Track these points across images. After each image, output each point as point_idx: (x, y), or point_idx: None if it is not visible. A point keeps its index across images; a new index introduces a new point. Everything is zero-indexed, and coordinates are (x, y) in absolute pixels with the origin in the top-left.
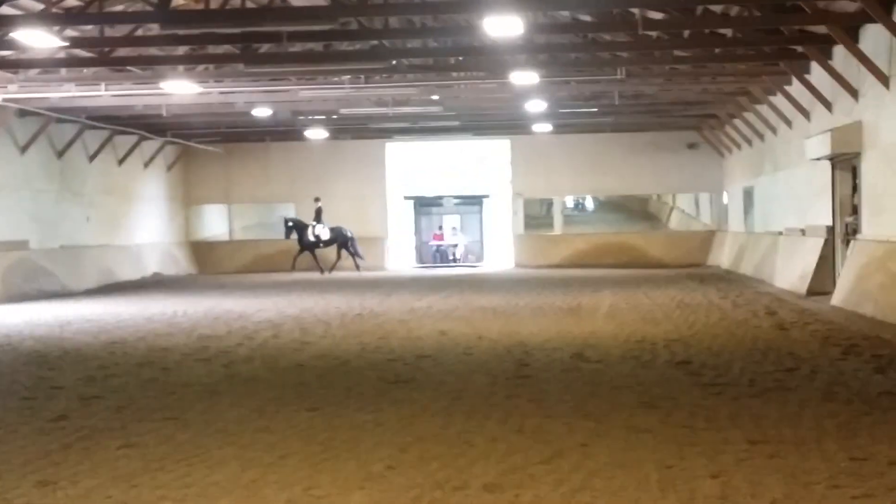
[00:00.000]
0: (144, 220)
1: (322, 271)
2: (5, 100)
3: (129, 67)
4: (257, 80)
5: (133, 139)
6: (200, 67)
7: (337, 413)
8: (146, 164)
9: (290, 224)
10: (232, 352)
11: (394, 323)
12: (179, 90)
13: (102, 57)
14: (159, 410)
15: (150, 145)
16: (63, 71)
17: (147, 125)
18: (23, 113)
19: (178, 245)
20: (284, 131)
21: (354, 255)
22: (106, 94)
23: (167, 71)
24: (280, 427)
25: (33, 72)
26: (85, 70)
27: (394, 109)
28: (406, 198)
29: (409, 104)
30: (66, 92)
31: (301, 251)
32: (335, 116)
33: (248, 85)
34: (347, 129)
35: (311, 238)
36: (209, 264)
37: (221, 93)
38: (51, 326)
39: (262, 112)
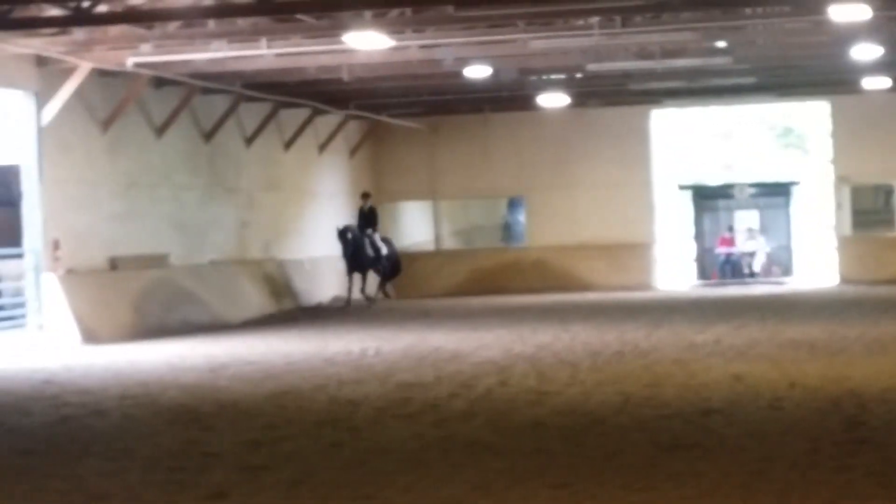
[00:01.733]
0: (320, 224)
1: (351, 301)
2: (136, 65)
3: (298, 16)
4: (472, 28)
5: (304, 113)
6: (394, 12)
7: (591, 491)
8: (321, 148)
9: (350, 235)
10: (443, 406)
11: (667, 364)
12: (366, 45)
13: (262, 3)
14: (347, 487)
15: (327, 121)
16: (211, 24)
17: (323, 94)
18: (159, 82)
19: None
20: (509, 98)
21: (390, 277)
22: (268, 53)
23: (350, 19)
24: None
25: (172, 26)
26: (240, 21)
27: (663, 63)
28: (681, 187)
29: (685, 55)
30: (216, 52)
31: (355, 271)
32: (580, 75)
33: (460, 35)
34: (597, 92)
35: (371, 252)
36: (409, 283)
37: (422, 47)
38: (200, 371)
39: (478, 72)
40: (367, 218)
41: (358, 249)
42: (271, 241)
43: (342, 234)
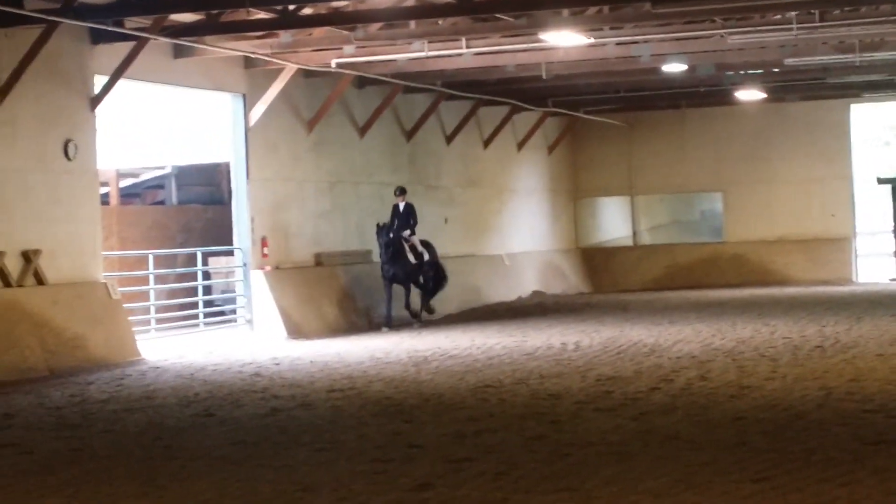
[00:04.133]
0: (519, 220)
1: (392, 319)
2: (339, 65)
3: (497, 15)
4: (669, 25)
5: (502, 111)
6: (591, 10)
7: (794, 485)
8: (520, 145)
9: (389, 237)
10: (644, 399)
11: (869, 359)
12: (564, 42)
13: (462, 3)
14: (550, 479)
15: (526, 118)
16: (412, 24)
17: (521, 92)
18: (362, 82)
19: (565, 253)
20: (706, 93)
21: (438, 289)
22: (467, 52)
23: (548, 17)
24: (715, 503)
25: (374, 27)
26: (440, 22)
27: (862, 56)
28: (880, 181)
29: (884, 48)
30: (417, 52)
31: (395, 282)
32: (777, 70)
33: (657, 31)
34: (795, 86)
35: (413, 259)
36: (607, 279)
37: (620, 44)
38: (403, 365)
39: (675, 68)
40: (404, 218)
41: (397, 255)
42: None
43: (383, 232)
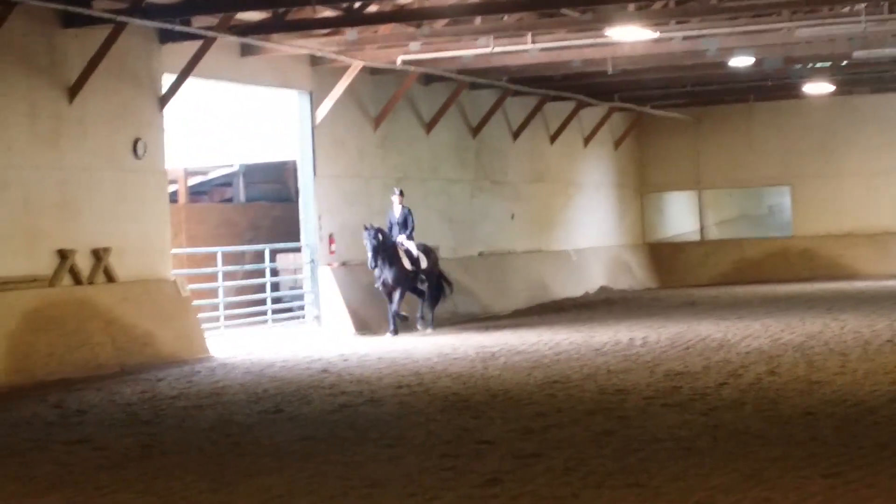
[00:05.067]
0: (585, 215)
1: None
2: (405, 62)
3: (562, 10)
4: (735, 18)
5: (568, 107)
6: (657, 4)
7: (866, 481)
8: (586, 140)
9: (379, 239)
10: (712, 394)
11: None
12: (630, 37)
13: None
14: (619, 474)
15: (592, 114)
16: (478, 20)
17: (587, 87)
18: (427, 79)
19: (632, 249)
20: (773, 87)
21: (439, 297)
22: (533, 47)
23: (613, 12)
24: (786, 499)
25: (440, 23)
26: (506, 18)
27: None
28: None
29: None
30: (483, 48)
31: (386, 288)
32: (846, 63)
33: (723, 25)
34: (864, 79)
35: (409, 266)
36: (674, 274)
37: (686, 38)
38: (471, 361)
39: (742, 61)
40: (401, 221)
41: (391, 260)
42: (516, 214)
43: (374, 235)
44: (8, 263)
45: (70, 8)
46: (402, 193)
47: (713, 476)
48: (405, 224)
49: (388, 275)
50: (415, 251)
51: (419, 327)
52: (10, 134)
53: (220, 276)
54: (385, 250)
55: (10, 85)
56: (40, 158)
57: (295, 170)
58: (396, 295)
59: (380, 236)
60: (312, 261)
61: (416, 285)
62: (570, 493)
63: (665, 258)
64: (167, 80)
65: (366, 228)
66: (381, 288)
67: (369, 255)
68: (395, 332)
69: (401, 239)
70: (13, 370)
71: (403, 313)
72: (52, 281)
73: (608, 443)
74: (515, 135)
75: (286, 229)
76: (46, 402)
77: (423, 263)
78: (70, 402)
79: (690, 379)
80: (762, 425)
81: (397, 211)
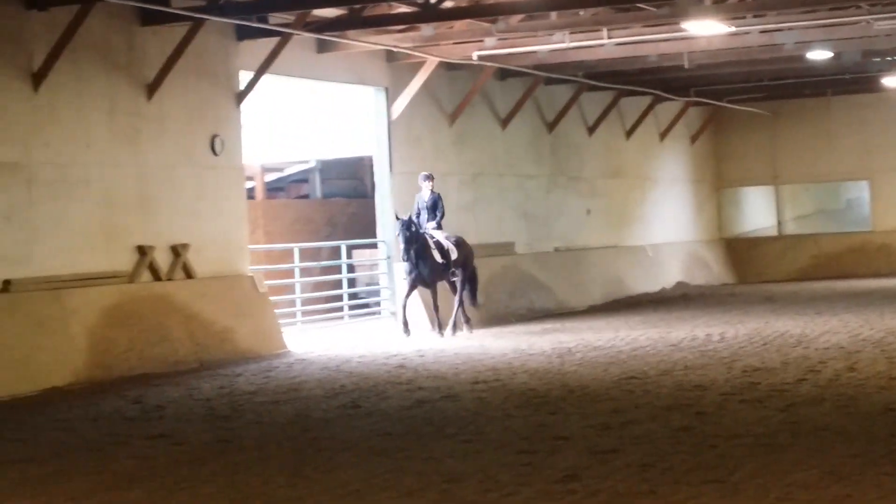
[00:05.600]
0: (661, 211)
1: (443, 329)
2: (481, 58)
3: (638, 4)
4: (813, 11)
5: (644, 102)
6: None
7: None
8: (662, 135)
9: (412, 231)
10: (791, 390)
11: None
12: (706, 31)
13: None
14: (697, 470)
15: (668, 108)
16: (553, 15)
17: (663, 81)
18: (503, 74)
19: (708, 244)
20: (852, 80)
21: (473, 295)
22: (609, 42)
23: (689, 6)
24: (866, 496)
25: (515, 19)
26: (581, 12)
27: None
28: None
29: None
30: (558, 43)
31: (419, 285)
32: None
33: (801, 18)
34: None
35: (440, 259)
36: (751, 269)
37: (763, 31)
38: (548, 356)
39: (820, 55)
40: (430, 209)
41: (422, 253)
42: (592, 210)
43: (407, 226)
44: (88, 259)
45: (149, 6)
46: (431, 178)
47: (792, 473)
48: (434, 210)
49: (420, 270)
50: (445, 242)
51: (448, 332)
52: (91, 131)
53: (296, 272)
54: (417, 241)
55: (90, 83)
56: (120, 155)
57: (371, 166)
58: (421, 293)
59: (413, 227)
60: (389, 257)
61: (448, 279)
62: (648, 490)
63: (742, 253)
64: (244, 76)
65: (397, 218)
66: (411, 282)
67: (402, 246)
68: (408, 331)
69: (430, 229)
70: (93, 365)
71: (442, 320)
72: (132, 277)
73: (685, 439)
74: (591, 130)
75: (362, 225)
76: (126, 398)
77: (454, 255)
78: (149, 398)
79: (768, 375)
80: (841, 422)
81: (426, 196)
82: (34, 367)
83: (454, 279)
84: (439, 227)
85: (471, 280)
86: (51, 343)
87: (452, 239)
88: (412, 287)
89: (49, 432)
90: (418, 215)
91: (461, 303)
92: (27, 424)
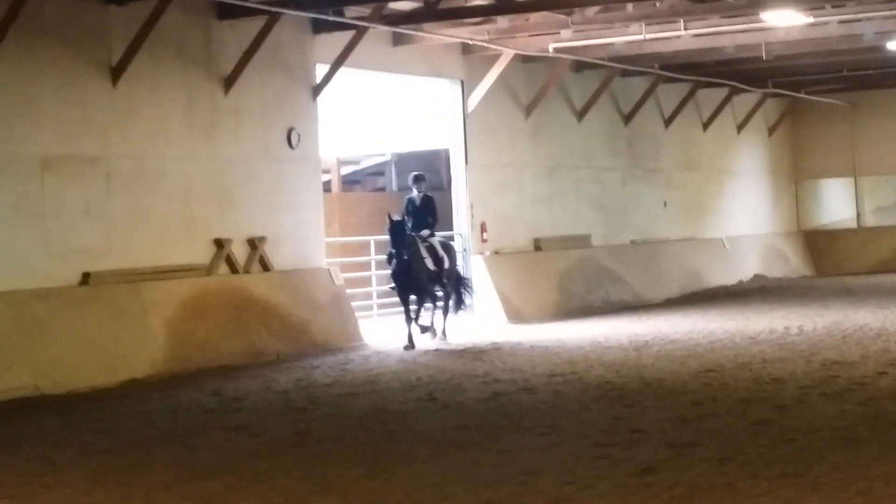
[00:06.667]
0: (739, 203)
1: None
2: (557, 50)
3: None
4: (893, 1)
5: (721, 93)
6: None
7: None
8: (740, 127)
9: (404, 234)
10: (871, 384)
11: None
12: (784, 22)
13: None
14: (775, 464)
15: (745, 100)
16: (629, 7)
17: (740, 73)
18: (579, 66)
19: (786, 236)
20: None
21: (459, 301)
22: (686, 34)
23: None
24: None
25: (591, 11)
26: (658, 4)
27: None
28: None
29: None
30: (634, 35)
31: (411, 293)
32: None
33: (880, 8)
34: None
35: (432, 266)
36: (830, 262)
37: (842, 22)
38: (624, 349)
39: None
40: (421, 212)
41: (413, 259)
42: (669, 202)
43: (396, 228)
44: (166, 252)
45: (225, 0)
46: (420, 180)
47: (873, 466)
48: (424, 213)
49: (410, 278)
50: (440, 250)
51: (436, 329)
52: (169, 125)
53: (372, 264)
54: (407, 246)
55: (168, 77)
56: (197, 149)
57: (447, 158)
58: (416, 302)
59: (406, 230)
60: (465, 249)
61: (437, 287)
62: (726, 483)
63: (821, 246)
64: (320, 70)
65: (389, 219)
66: (401, 293)
67: (390, 250)
68: (412, 345)
69: (424, 233)
70: (172, 357)
71: (425, 324)
72: (209, 270)
73: (764, 432)
74: (667, 122)
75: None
76: (204, 389)
77: (447, 263)
78: (227, 390)
79: (848, 368)
80: None
81: (417, 198)
82: (113, 359)
83: (440, 290)
84: (432, 233)
85: (457, 286)
86: (130, 335)
87: (442, 244)
88: (404, 297)
89: (128, 424)
90: (409, 220)
91: (446, 309)
92: (107, 416)
